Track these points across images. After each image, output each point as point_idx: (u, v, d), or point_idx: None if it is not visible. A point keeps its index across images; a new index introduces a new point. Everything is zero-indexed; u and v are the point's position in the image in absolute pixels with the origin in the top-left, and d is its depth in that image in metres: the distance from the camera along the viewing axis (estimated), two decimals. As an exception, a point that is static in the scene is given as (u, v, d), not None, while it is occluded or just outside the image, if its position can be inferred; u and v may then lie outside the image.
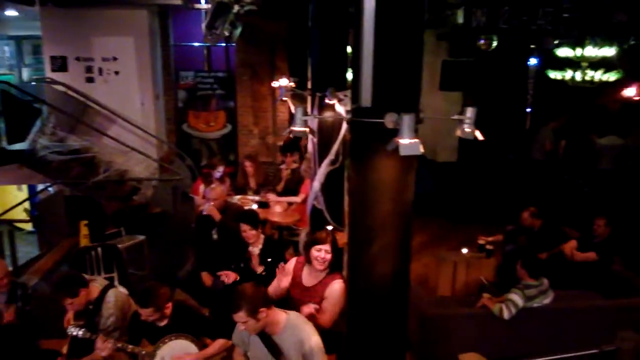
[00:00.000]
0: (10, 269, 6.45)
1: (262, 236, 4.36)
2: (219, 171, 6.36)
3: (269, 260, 4.19)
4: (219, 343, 3.37)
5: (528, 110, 11.86)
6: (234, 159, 9.49)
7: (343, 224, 4.72)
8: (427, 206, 7.35)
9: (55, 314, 3.62)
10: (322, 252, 3.40)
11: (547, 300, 4.49)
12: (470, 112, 2.55)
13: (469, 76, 9.71)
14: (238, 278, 4.14)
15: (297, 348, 2.80)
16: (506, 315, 4.33)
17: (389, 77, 2.49)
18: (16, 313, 3.49)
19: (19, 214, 8.72)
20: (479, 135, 2.63)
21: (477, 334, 4.47)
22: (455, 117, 2.58)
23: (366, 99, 2.48)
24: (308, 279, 3.51)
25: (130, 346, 3.21)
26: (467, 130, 2.56)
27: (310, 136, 5.47)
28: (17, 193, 10.16)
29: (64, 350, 3.34)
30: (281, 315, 2.84)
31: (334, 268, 3.52)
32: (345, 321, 3.50)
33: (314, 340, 2.80)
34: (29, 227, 9.43)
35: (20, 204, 8.86)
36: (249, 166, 6.75)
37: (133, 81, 8.24)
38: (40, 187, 8.85)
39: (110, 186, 7.79)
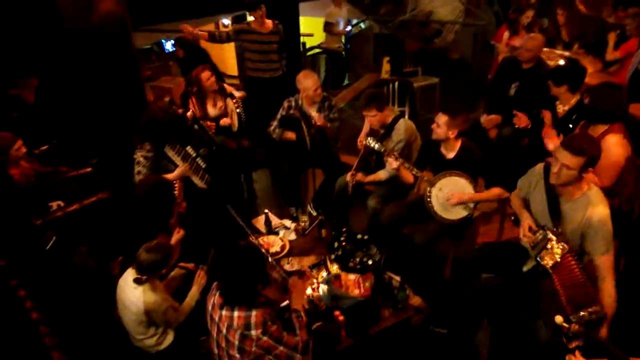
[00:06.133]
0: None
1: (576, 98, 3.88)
2: (527, 17, 5.70)
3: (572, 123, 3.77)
4: (496, 191, 3.38)
5: None
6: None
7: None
8: None
9: (353, 134, 4.21)
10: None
11: None
12: None
13: None
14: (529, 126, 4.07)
15: (581, 220, 2.60)
16: None
17: None
18: (325, 119, 4.15)
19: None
20: None
21: None
22: None
23: None
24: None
25: (415, 169, 3.49)
26: None
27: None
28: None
29: (355, 162, 3.90)
30: (584, 186, 2.63)
31: None
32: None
33: (602, 216, 2.54)
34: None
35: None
36: (560, 14, 5.86)
37: None
38: (354, 21, 9.67)
39: (414, 26, 7.99)
